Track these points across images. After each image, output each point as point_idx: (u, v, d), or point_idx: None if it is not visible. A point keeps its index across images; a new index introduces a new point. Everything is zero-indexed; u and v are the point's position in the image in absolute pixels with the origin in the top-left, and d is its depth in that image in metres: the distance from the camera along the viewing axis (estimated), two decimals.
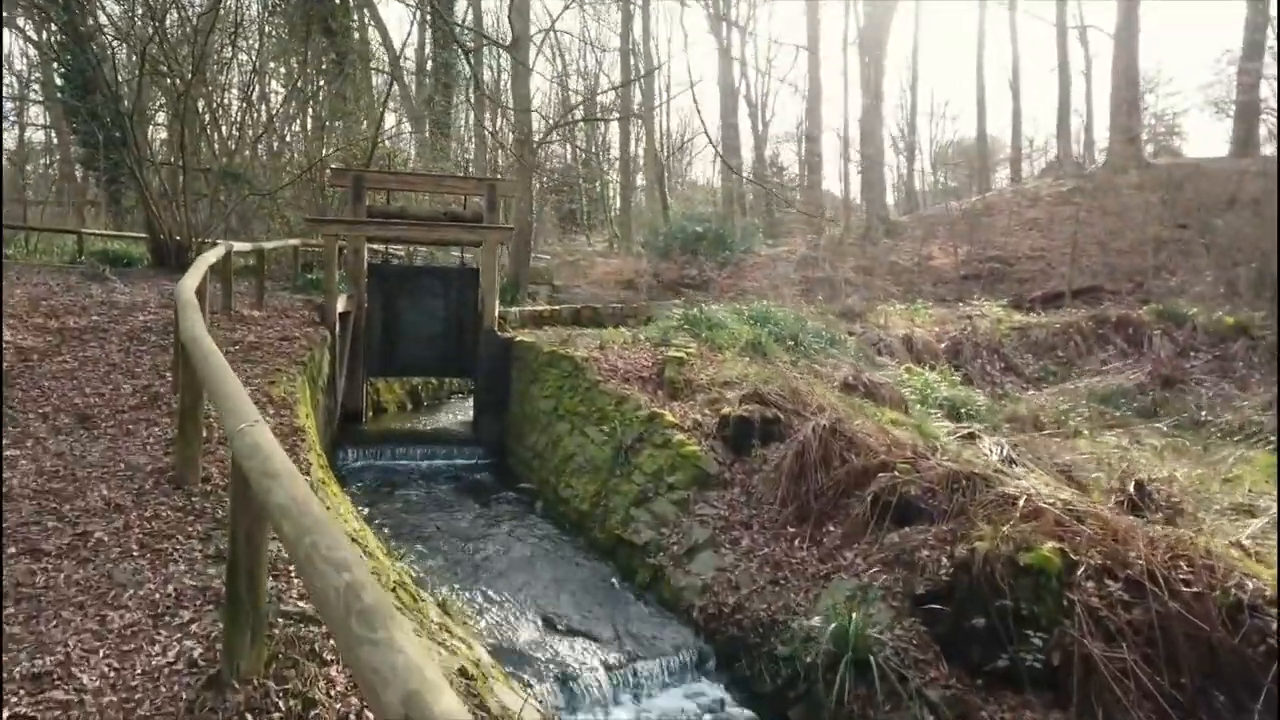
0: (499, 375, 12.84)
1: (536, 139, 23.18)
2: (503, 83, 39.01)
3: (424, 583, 6.73)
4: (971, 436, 8.72)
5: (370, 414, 14.66)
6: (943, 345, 19.02)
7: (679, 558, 7.45)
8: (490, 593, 7.28)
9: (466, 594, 7.16)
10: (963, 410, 12.01)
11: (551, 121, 28.48)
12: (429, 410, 16.21)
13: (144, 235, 17.44)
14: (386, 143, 21.30)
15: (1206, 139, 63.76)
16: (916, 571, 6.14)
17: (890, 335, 18.23)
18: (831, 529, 7.08)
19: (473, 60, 22.97)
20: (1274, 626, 4.84)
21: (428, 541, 8.49)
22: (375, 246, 16.28)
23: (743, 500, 7.85)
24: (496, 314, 12.99)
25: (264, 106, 20.75)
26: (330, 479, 6.97)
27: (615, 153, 43.94)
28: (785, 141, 55.11)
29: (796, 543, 7.11)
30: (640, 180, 44.97)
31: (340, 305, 12.73)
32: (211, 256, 9.96)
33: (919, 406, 11.10)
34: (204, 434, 5.58)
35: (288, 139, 21.48)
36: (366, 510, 9.26)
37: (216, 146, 18.79)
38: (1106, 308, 21.73)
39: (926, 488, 6.89)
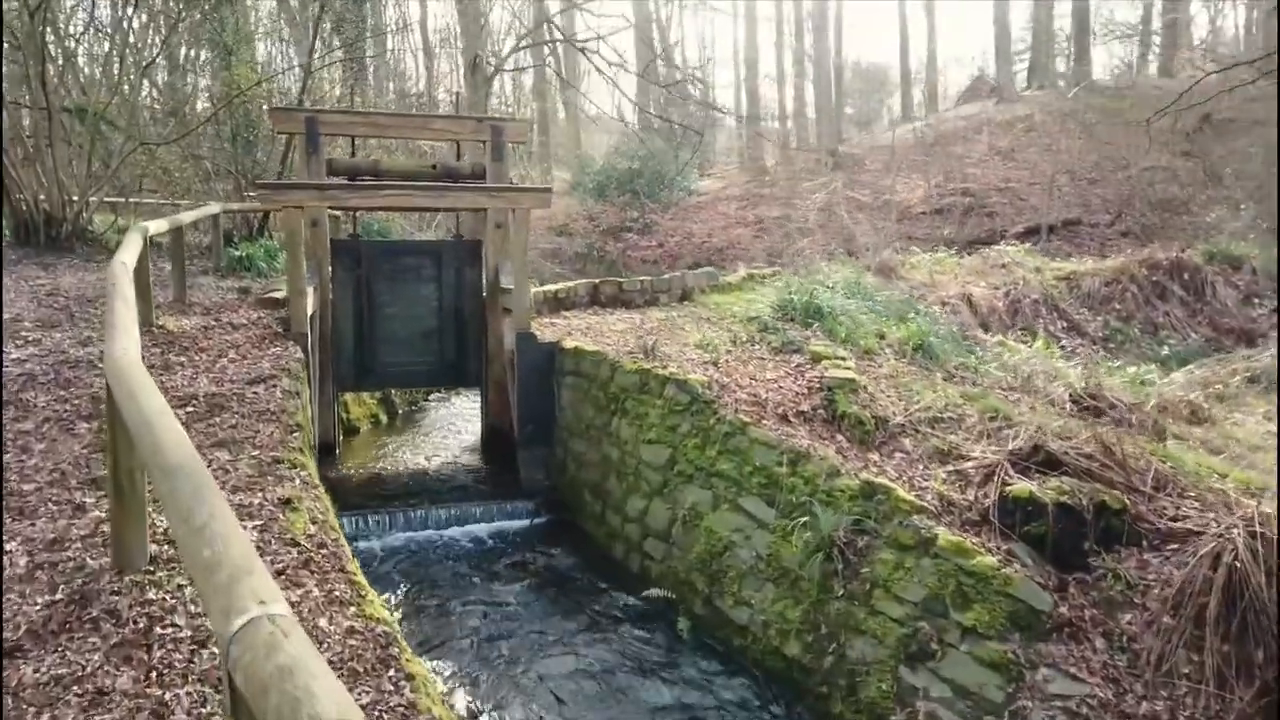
0: (540, 396, 9.26)
1: (491, 63, 19.05)
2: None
3: None
4: None
5: (340, 437, 10.89)
6: (1001, 305, 16.31)
7: None
8: None
9: None
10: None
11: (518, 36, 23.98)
12: (411, 425, 12.46)
13: None
14: (323, 71, 16.70)
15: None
16: None
17: (948, 297, 15.31)
18: None
19: None
20: None
21: None
22: (334, 212, 12.24)
23: (1122, 664, 4.69)
24: (528, 306, 9.32)
25: (132, 33, 15.85)
26: None
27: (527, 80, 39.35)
28: (693, 67, 51.53)
29: None
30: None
31: (309, 304, 8.88)
32: (128, 256, 6.13)
33: None
34: None
35: (152, 73, 16.55)
36: (427, 659, 5.80)
37: (83, 85, 14.23)
38: (1155, 250, 19.33)
39: None
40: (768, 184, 32.42)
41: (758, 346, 8.69)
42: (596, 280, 12.66)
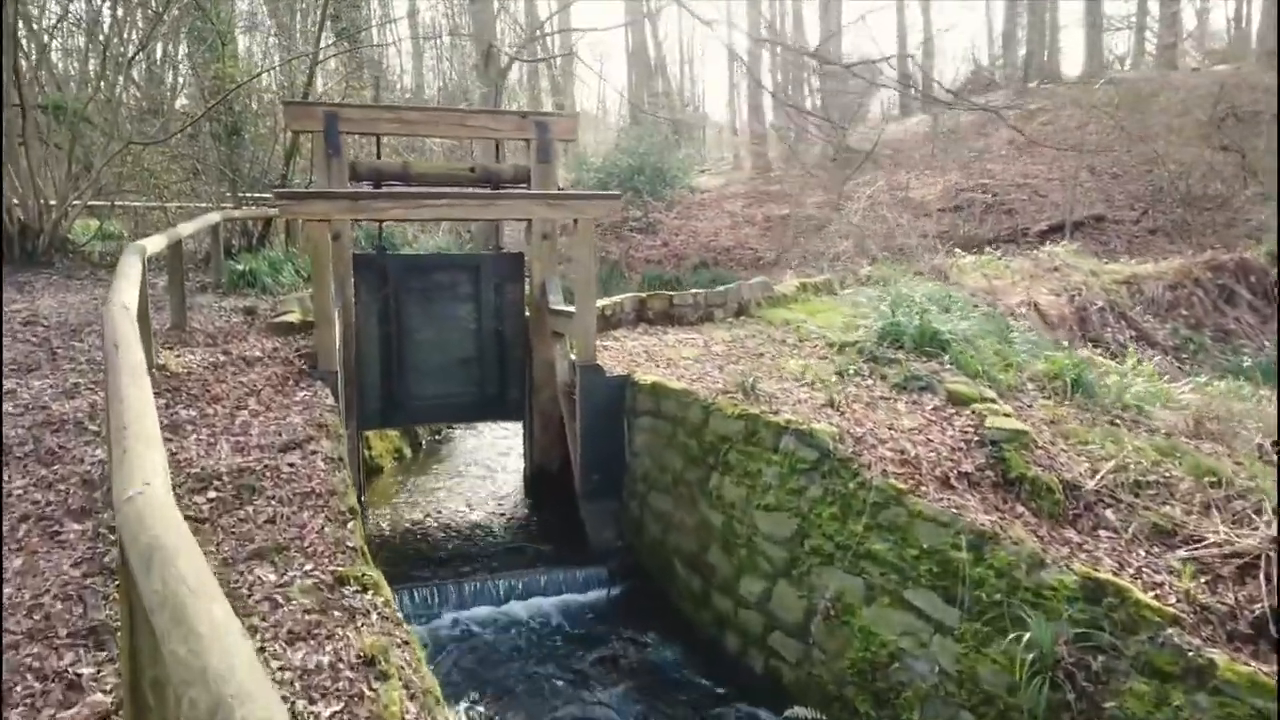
0: (608, 439, 7.86)
1: (507, 54, 17.59)
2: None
3: None
4: None
5: (363, 479, 9.46)
6: (1069, 313, 15.11)
7: None
8: None
9: None
10: None
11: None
12: (438, 460, 11.01)
13: None
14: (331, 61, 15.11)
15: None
16: None
17: (1014, 304, 14.08)
18: None
19: None
20: None
21: None
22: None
23: None
24: (594, 334, 7.93)
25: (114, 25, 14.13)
26: None
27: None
28: (679, 63, 50.74)
29: None
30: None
31: (338, 335, 7.45)
32: (128, 295, 4.72)
33: None
34: None
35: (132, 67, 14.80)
36: None
37: (58, 81, 12.67)
38: (1219, 252, 18.18)
39: None
40: (773, 181, 31.20)
41: (872, 382, 7.32)
42: (644, 294, 11.29)
